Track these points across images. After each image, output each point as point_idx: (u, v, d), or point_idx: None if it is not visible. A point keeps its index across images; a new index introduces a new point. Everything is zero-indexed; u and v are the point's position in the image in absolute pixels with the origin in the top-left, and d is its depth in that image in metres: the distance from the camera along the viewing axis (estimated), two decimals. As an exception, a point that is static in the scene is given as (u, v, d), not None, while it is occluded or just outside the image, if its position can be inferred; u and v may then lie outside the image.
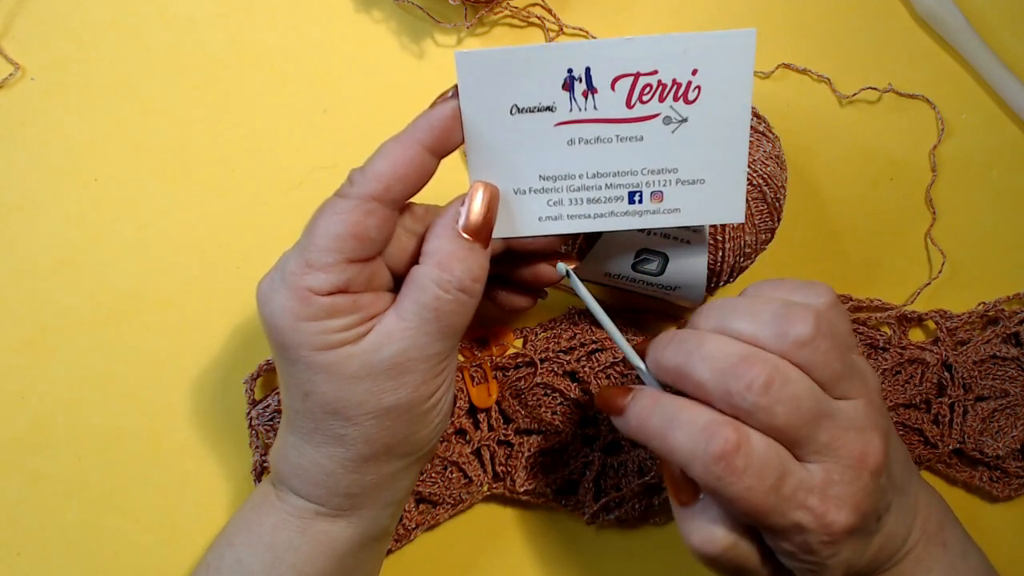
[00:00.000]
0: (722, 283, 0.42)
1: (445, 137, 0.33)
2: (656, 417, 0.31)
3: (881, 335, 0.46)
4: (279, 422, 0.43)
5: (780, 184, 0.41)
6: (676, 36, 0.32)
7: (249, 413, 0.44)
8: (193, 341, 0.45)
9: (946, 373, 0.46)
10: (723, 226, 0.39)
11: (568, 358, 0.45)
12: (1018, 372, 0.46)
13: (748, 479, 0.29)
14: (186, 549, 0.44)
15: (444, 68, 0.47)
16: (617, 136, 0.34)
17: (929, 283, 0.47)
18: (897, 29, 0.48)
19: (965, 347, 0.46)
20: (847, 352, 0.31)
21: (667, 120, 0.34)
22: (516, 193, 0.35)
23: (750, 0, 0.48)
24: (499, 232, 0.35)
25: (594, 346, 0.45)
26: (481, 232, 0.33)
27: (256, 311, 0.33)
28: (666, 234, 0.39)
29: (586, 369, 0.44)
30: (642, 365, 0.34)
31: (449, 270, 0.32)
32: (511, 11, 0.47)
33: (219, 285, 0.45)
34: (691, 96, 0.33)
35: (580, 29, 0.47)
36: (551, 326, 0.46)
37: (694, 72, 0.33)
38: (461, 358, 0.45)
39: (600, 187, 0.35)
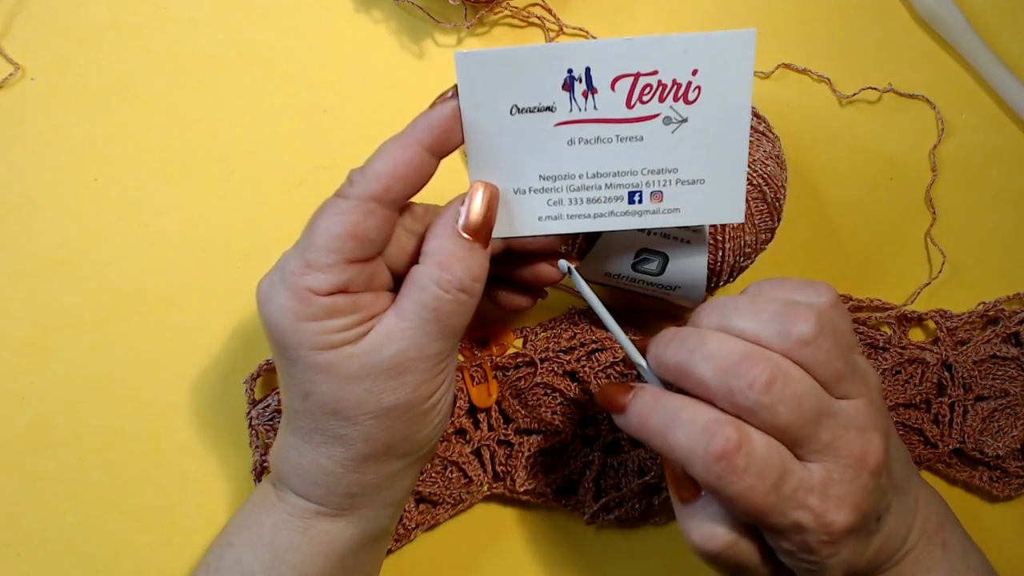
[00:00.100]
0: (722, 283, 0.42)
1: (445, 137, 0.33)
2: (657, 415, 0.31)
3: (881, 335, 0.46)
4: (279, 422, 0.43)
5: (780, 184, 0.41)
6: (676, 36, 0.32)
7: (249, 413, 0.44)
8: (193, 341, 0.45)
9: (946, 373, 0.46)
10: (723, 226, 0.39)
11: (568, 358, 0.45)
12: (1018, 372, 0.46)
13: (749, 478, 0.29)
14: (186, 549, 0.44)
15: (444, 68, 0.47)
16: (617, 136, 0.34)
17: (929, 283, 0.47)
18: (897, 29, 0.48)
19: (965, 347, 0.46)
20: (848, 351, 0.31)
21: (667, 120, 0.34)
22: (516, 193, 0.35)
23: (750, 0, 0.48)
24: (499, 232, 0.35)
25: (594, 346, 0.45)
26: (481, 232, 0.33)
27: (256, 311, 0.33)
28: (666, 234, 0.39)
29: (586, 369, 0.44)
30: (643, 363, 0.34)
31: (449, 270, 0.32)
32: (511, 11, 0.47)
33: (219, 285, 0.45)
34: (691, 96, 0.33)
35: (580, 29, 0.47)
36: (551, 326, 0.46)
37: (694, 72, 0.33)
38: (461, 358, 0.45)
39: (600, 187, 0.35)
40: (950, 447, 0.46)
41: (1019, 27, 0.48)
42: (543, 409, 0.44)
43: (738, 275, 0.42)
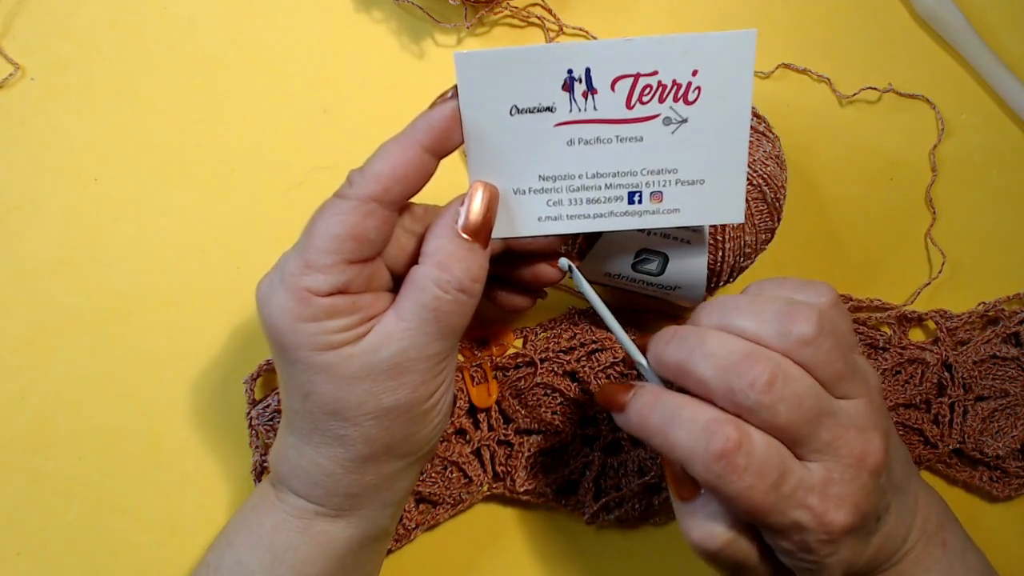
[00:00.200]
0: (722, 283, 0.42)
1: (444, 138, 0.33)
2: (657, 414, 0.31)
3: (881, 335, 0.46)
4: (279, 422, 0.43)
5: (780, 184, 0.41)
6: (676, 37, 0.32)
7: (249, 413, 0.44)
8: (193, 341, 0.45)
9: (946, 373, 0.46)
10: (723, 226, 0.39)
11: (568, 358, 0.45)
12: (1018, 372, 0.46)
13: (748, 477, 0.29)
14: (186, 549, 0.44)
15: (444, 68, 0.47)
16: (617, 136, 0.34)
17: (929, 283, 0.47)
18: (897, 29, 0.48)
19: (965, 347, 0.46)
20: (849, 351, 0.31)
21: (667, 121, 0.34)
22: (516, 193, 0.35)
23: (750, 0, 0.48)
24: (499, 232, 0.35)
25: (594, 346, 0.45)
26: (480, 232, 0.33)
27: (256, 311, 0.33)
28: (666, 234, 0.39)
29: (586, 369, 0.44)
30: (643, 361, 0.34)
31: (448, 270, 0.32)
32: (511, 11, 0.47)
33: (219, 285, 0.45)
34: (691, 97, 0.33)
35: (580, 29, 0.47)
36: (551, 326, 0.46)
37: (694, 73, 0.33)
38: (461, 358, 0.45)
39: (600, 187, 0.35)
40: (950, 447, 0.46)
41: (1019, 27, 0.48)
42: (543, 409, 0.44)
43: (738, 275, 0.42)
